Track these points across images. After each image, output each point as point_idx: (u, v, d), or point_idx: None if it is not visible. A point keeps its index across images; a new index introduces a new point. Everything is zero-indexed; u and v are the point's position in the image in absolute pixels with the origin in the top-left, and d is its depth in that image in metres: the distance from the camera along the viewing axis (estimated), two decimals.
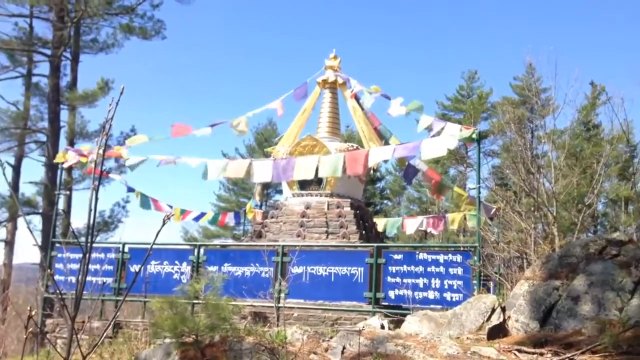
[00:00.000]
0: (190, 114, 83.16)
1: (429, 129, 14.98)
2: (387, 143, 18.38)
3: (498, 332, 7.32)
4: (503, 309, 7.77)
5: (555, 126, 17.33)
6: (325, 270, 11.96)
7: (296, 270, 11.74)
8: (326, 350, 6.63)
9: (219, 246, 17.79)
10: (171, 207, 20.77)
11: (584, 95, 34.81)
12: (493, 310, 7.72)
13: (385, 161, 15.82)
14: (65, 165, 15.91)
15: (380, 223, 20.99)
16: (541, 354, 6.12)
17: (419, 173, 16.72)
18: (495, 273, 11.26)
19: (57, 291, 12.65)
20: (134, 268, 13.19)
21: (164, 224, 3.72)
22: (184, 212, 21.11)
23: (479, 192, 12.80)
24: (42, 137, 26.68)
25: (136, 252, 13.61)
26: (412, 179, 18.39)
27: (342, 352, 6.53)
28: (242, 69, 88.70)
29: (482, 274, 11.02)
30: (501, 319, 7.53)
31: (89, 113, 72.65)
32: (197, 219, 22.23)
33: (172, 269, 13.12)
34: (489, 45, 78.46)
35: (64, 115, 26.75)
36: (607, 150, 18.21)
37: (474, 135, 12.52)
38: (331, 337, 7.01)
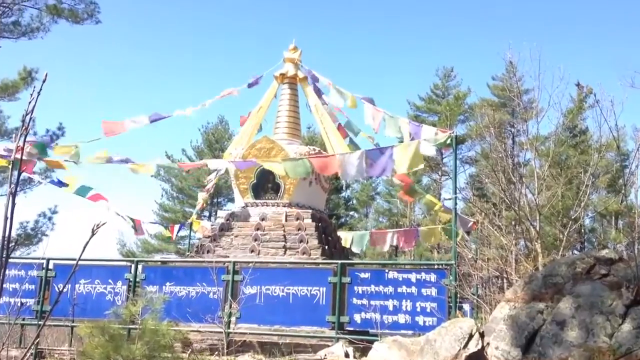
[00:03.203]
0: (133, 109, 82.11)
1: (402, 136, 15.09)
2: (353, 140, 18.45)
3: None
4: (481, 335, 7.83)
5: (539, 131, 17.59)
6: (283, 291, 11.88)
7: (249, 290, 11.63)
8: None
9: (159, 262, 17.50)
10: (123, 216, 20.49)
11: (569, 97, 35.63)
12: (470, 336, 7.77)
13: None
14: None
15: (345, 237, 21.03)
16: None
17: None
18: (473, 294, 11.37)
19: None
20: (60, 288, 12.86)
21: (93, 234, 3.61)
22: (134, 223, 20.92)
23: (455, 203, 12.95)
24: None
25: (63, 269, 13.26)
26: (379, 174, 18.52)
27: None
28: (191, 59, 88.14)
29: (458, 295, 11.11)
30: (479, 346, 7.58)
31: (10, 107, 70.87)
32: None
33: (105, 288, 12.84)
34: (466, 40, 79.90)
35: None
36: (595, 158, 18.60)
37: (449, 140, 12.64)
38: None
